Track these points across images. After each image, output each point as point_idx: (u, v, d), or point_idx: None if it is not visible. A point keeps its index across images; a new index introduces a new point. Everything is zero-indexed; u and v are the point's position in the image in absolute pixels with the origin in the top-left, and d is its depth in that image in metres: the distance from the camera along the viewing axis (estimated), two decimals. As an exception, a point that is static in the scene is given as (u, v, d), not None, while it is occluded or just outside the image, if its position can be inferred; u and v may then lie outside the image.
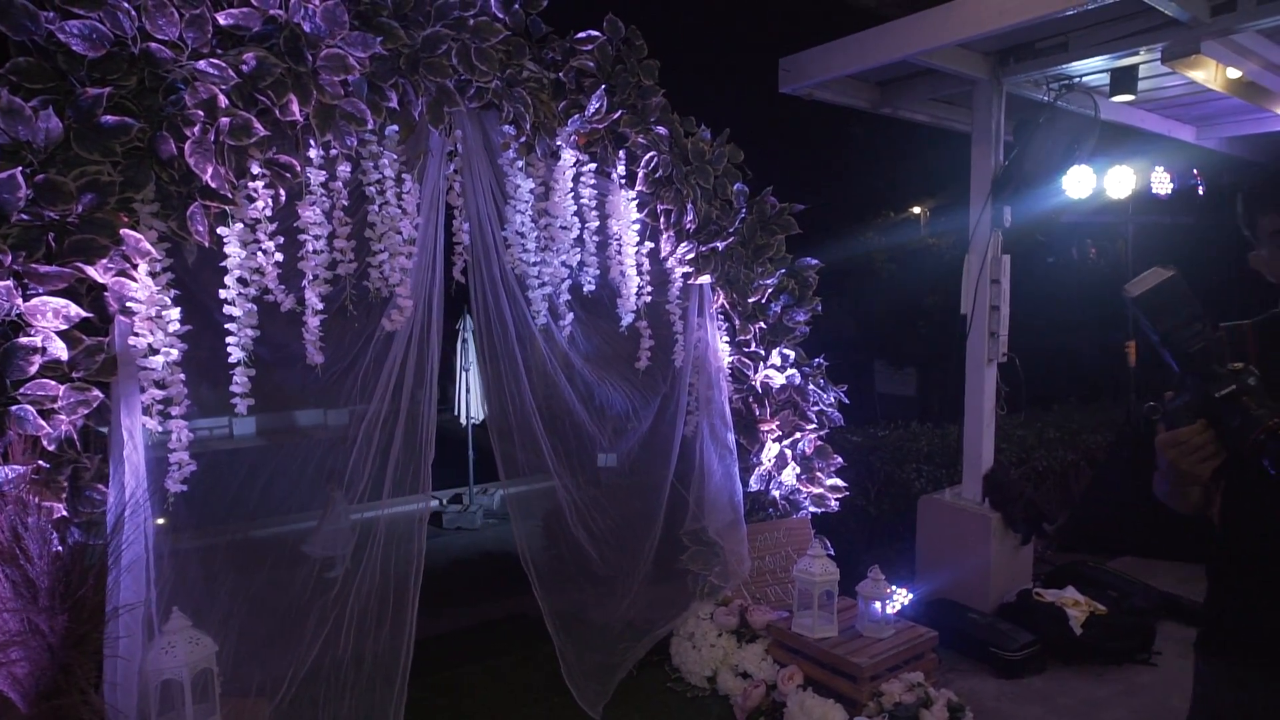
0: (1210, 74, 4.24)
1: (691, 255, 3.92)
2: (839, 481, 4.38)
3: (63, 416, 2.40)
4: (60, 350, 2.42)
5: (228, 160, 2.65)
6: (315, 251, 2.94)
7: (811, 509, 4.38)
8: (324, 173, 2.97)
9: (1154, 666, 4.08)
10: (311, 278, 2.91)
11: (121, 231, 2.49)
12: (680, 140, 3.92)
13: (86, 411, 2.42)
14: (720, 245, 3.92)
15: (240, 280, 2.77)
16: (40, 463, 2.36)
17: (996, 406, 4.77)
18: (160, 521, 2.60)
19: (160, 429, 2.60)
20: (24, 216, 2.37)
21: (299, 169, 2.90)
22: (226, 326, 2.73)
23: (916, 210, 11.93)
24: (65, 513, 2.35)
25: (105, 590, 2.17)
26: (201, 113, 2.60)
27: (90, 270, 2.44)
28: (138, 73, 2.55)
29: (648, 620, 3.97)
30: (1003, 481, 4.72)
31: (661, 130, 3.78)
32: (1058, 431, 6.38)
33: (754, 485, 4.16)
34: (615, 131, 3.69)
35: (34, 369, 2.37)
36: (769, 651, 3.77)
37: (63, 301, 2.38)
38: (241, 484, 3.00)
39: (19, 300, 2.32)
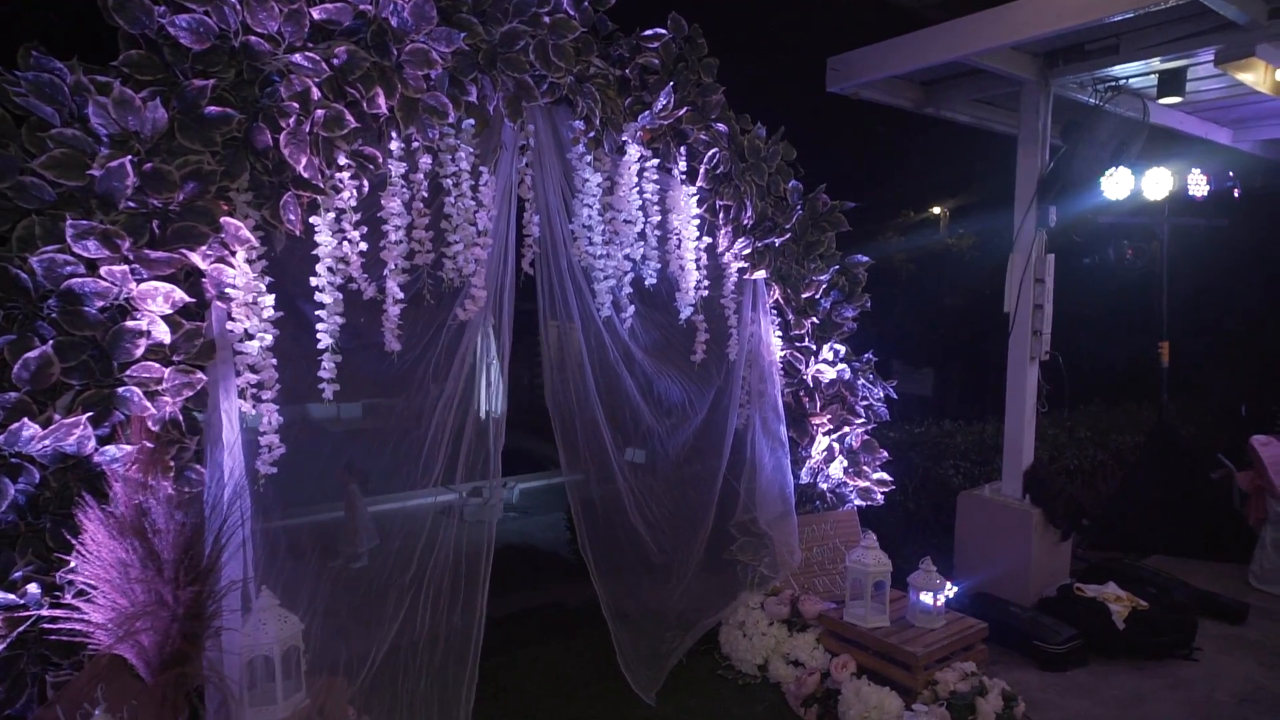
0: (1259, 76, 4.29)
1: (748, 250, 3.98)
2: (885, 475, 4.45)
3: (167, 399, 2.47)
4: (164, 334, 2.48)
5: (320, 151, 2.72)
6: (396, 241, 3.00)
7: (858, 502, 4.45)
8: (404, 164, 3.03)
9: (1195, 662, 4.13)
10: (393, 267, 2.98)
11: (221, 219, 2.56)
12: (737, 137, 3.98)
13: (190, 394, 2.49)
14: (776, 241, 3.98)
15: (328, 269, 2.83)
16: (145, 443, 2.44)
17: (1037, 404, 4.83)
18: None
19: (253, 411, 2.67)
20: (131, 204, 2.44)
21: (381, 160, 2.97)
22: (317, 314, 2.79)
23: (936, 210, 11.96)
24: (172, 491, 2.42)
25: (219, 565, 2.24)
26: (296, 104, 2.66)
27: (192, 256, 2.51)
28: (236, 65, 2.61)
29: (697, 609, 4.04)
30: (1044, 478, 4.78)
31: (721, 127, 3.84)
32: (1088, 431, 6.43)
33: (804, 478, 4.23)
34: (677, 128, 3.75)
35: (140, 352, 2.44)
36: (820, 641, 3.84)
37: (170, 286, 2.45)
38: (324, 468, 3.07)
39: (132, 284, 2.39)
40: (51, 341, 2.30)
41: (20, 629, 2.13)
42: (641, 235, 3.69)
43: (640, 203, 3.62)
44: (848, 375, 4.26)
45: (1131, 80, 4.69)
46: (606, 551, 3.71)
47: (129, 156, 2.40)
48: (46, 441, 2.26)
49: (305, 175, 2.69)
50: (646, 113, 3.50)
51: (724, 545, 4.14)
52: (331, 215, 2.80)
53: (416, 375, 3.13)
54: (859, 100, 4.99)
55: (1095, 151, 4.51)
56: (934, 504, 5.29)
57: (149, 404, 2.45)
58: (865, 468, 4.38)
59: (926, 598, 3.72)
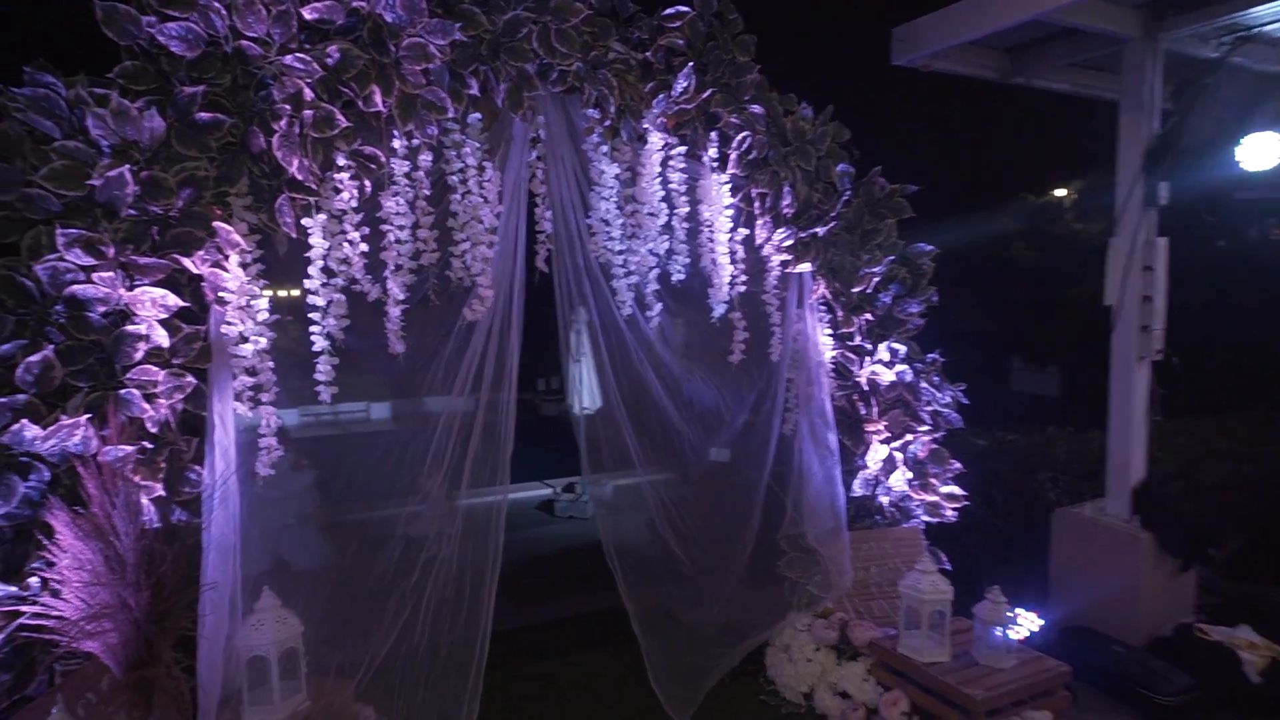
0: None
1: (790, 242, 3.67)
2: (956, 489, 3.98)
3: (162, 401, 2.52)
4: (162, 338, 2.54)
5: (311, 152, 2.71)
6: (398, 241, 2.96)
7: (924, 518, 4.01)
8: (408, 163, 2.98)
9: (1351, 725, 3.42)
10: (393, 268, 2.93)
11: (214, 224, 2.59)
12: (779, 119, 3.68)
13: (182, 396, 2.54)
14: (821, 231, 3.65)
15: (327, 270, 2.82)
16: (144, 444, 2.50)
17: (1149, 411, 4.18)
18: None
19: (250, 414, 2.69)
20: (132, 212, 2.51)
21: (383, 160, 2.93)
22: (310, 315, 2.79)
23: (1062, 192, 10.86)
24: (163, 493, 2.47)
25: (185, 569, 2.26)
26: (289, 106, 2.66)
27: (186, 261, 2.56)
28: (231, 70, 2.64)
29: (742, 626, 3.77)
30: (1157, 497, 4.13)
31: (757, 109, 3.56)
32: (1230, 441, 5.55)
33: (858, 490, 3.85)
34: (707, 112, 3.50)
35: (139, 355, 2.51)
36: (871, 672, 3.47)
37: (161, 291, 2.50)
38: (328, 470, 3.08)
39: (122, 290, 2.45)
40: (53, 346, 2.39)
41: (17, 621, 2.21)
42: (668, 228, 3.48)
43: (665, 194, 3.41)
44: (909, 377, 3.84)
45: (1268, 28, 3.96)
46: (634, 560, 3.52)
47: (127, 166, 2.47)
48: (51, 441, 2.36)
49: (299, 177, 2.69)
50: (662, 97, 3.28)
51: (772, 559, 3.84)
52: (324, 217, 2.78)
53: (426, 377, 3.08)
54: (931, 73, 4.52)
55: (1217, 114, 3.84)
56: (1026, 522, 4.71)
57: (148, 406, 2.51)
58: (933, 480, 3.94)
59: (995, 632, 3.27)
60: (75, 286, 2.42)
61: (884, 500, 3.93)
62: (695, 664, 3.61)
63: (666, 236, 3.43)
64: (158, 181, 2.51)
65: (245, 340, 2.68)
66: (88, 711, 1.96)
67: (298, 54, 2.67)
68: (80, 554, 2.00)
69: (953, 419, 4.00)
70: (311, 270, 2.78)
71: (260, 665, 2.60)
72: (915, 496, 3.95)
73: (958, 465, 3.99)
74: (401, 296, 2.92)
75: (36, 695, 2.33)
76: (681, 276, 3.50)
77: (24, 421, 2.30)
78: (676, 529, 3.57)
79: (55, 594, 2.04)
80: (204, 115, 2.56)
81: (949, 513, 3.97)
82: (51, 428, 2.34)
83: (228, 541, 2.50)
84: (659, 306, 3.51)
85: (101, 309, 2.46)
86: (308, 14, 2.71)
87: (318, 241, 2.78)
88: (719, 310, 3.59)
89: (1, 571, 2.27)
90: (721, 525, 3.68)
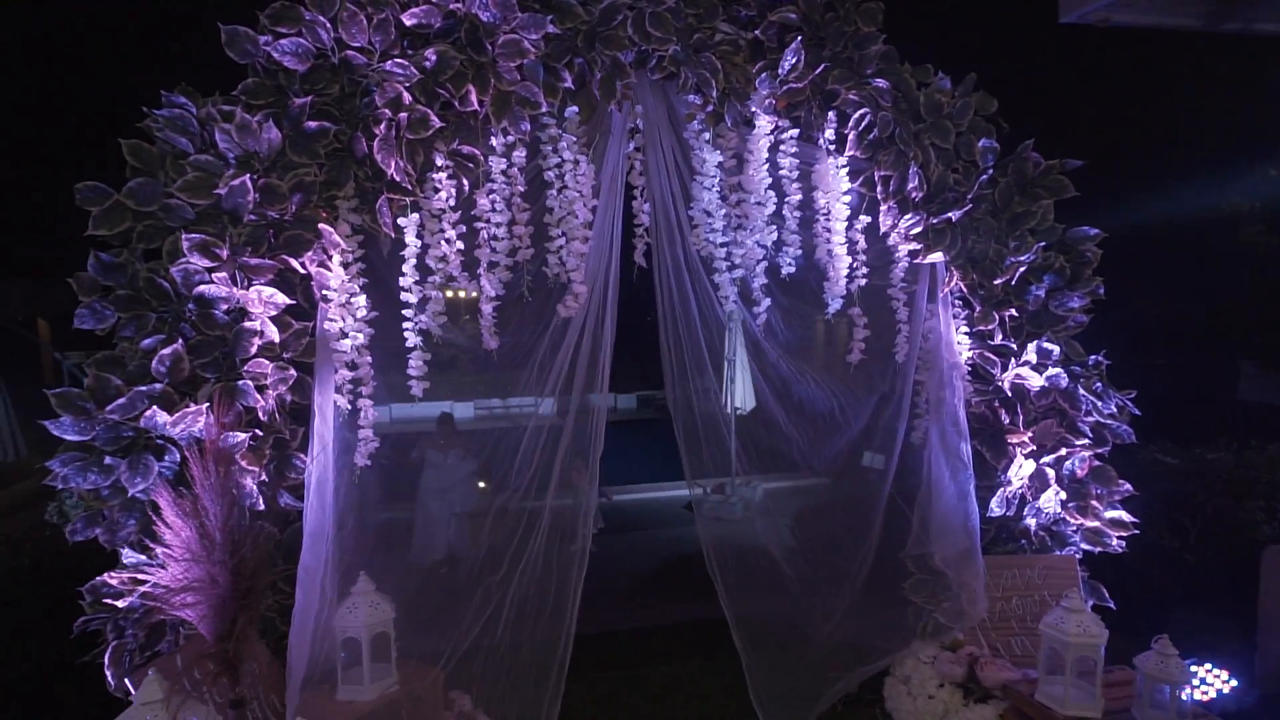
0: None
1: (919, 229, 3.29)
2: (1124, 515, 3.39)
3: (270, 392, 2.72)
4: (274, 334, 2.73)
5: (408, 154, 2.79)
6: (493, 238, 2.98)
7: (1084, 546, 3.46)
8: (505, 160, 3.00)
9: None
10: (487, 265, 2.96)
11: (319, 225, 2.74)
12: (910, 92, 3.31)
13: (285, 387, 2.72)
14: (956, 215, 3.23)
15: (422, 268, 2.90)
16: (256, 431, 2.71)
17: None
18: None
19: (349, 406, 2.83)
20: (253, 217, 2.72)
21: (481, 158, 2.97)
22: (403, 312, 2.88)
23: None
24: (265, 478, 2.66)
25: (276, 551, 2.41)
26: (388, 111, 2.76)
27: (293, 262, 2.73)
28: (339, 80, 2.78)
29: (861, 649, 3.46)
30: None
31: (881, 83, 3.22)
32: None
33: (996, 509, 3.38)
34: (823, 90, 3.22)
35: (254, 349, 2.71)
36: (1003, 718, 3.04)
37: (270, 290, 2.69)
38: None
39: (239, 290, 2.66)
40: (181, 340, 2.64)
41: (141, 588, 2.47)
42: (778, 217, 3.24)
43: (773, 180, 3.17)
44: (1064, 383, 3.31)
45: None
46: (737, 573, 3.33)
47: (248, 175, 2.67)
48: (180, 426, 2.61)
49: (397, 179, 2.78)
50: (764, 76, 3.05)
51: (899, 578, 3.49)
52: (417, 216, 2.86)
53: (521, 373, 3.09)
54: (1109, 29, 3.88)
55: None
56: (1228, 558, 3.94)
57: (259, 396, 2.71)
58: (1095, 503, 3.38)
59: (1164, 690, 2.74)
60: (202, 286, 2.65)
61: (1032, 522, 3.42)
62: (801, 686, 3.36)
63: (774, 227, 3.20)
64: (272, 188, 2.70)
65: (345, 336, 2.81)
66: (178, 677, 2.13)
67: (397, 59, 2.76)
68: (181, 531, 2.18)
69: (1121, 432, 3.40)
70: (405, 268, 2.87)
71: (353, 647, 2.73)
72: (1072, 520, 3.41)
73: (1127, 486, 3.39)
74: (493, 293, 2.94)
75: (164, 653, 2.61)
76: (791, 269, 3.25)
77: (154, 408, 2.56)
78: (782, 539, 3.33)
79: (163, 566, 2.24)
80: (312, 124, 2.71)
81: (1114, 542, 3.39)
82: (179, 414, 2.58)
83: (322, 527, 2.65)
84: (767, 302, 3.28)
85: (224, 307, 2.68)
86: (407, 20, 2.79)
87: (412, 240, 2.86)
88: (834, 305, 3.30)
89: (137, 543, 2.56)
90: (835, 538, 3.39)
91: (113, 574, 2.46)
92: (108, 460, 2.56)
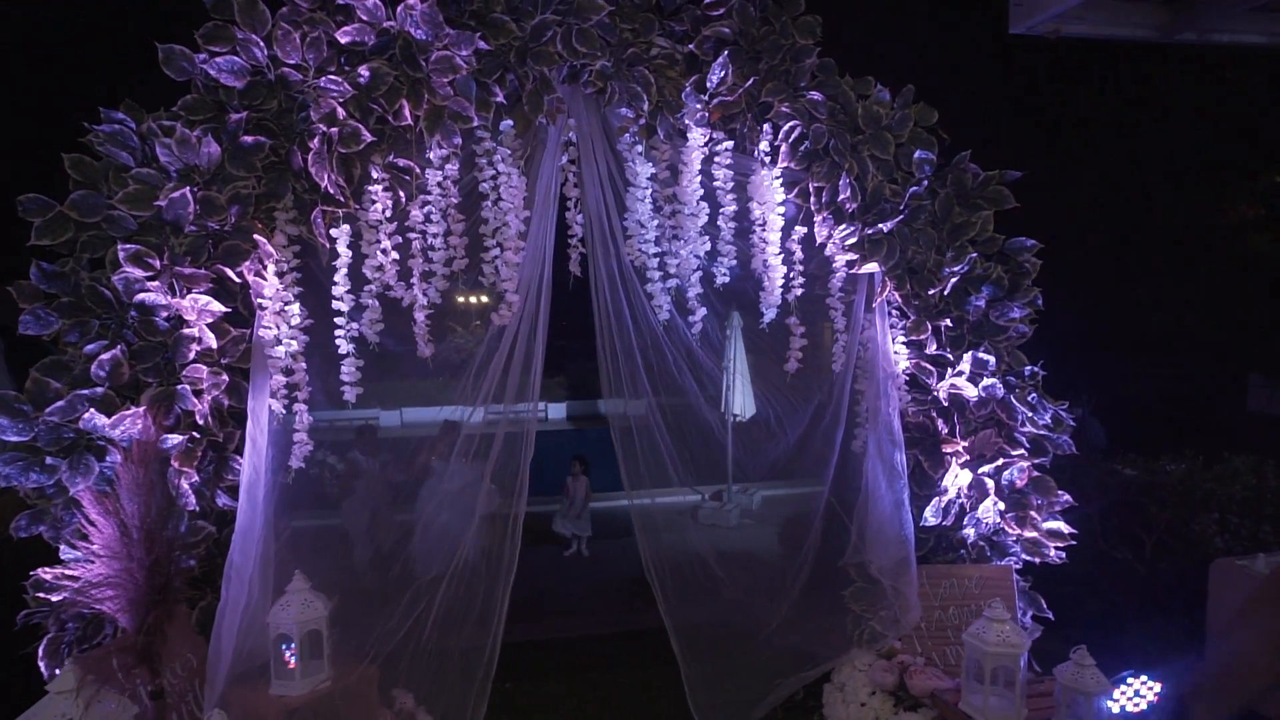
0: None
1: (854, 239, 3.32)
2: (1062, 526, 3.39)
3: (207, 395, 2.82)
4: (211, 340, 2.84)
5: (339, 167, 2.89)
6: (429, 248, 3.07)
7: (1024, 557, 3.45)
8: (439, 172, 3.09)
9: None
10: (421, 274, 3.04)
11: (253, 236, 2.85)
12: (850, 104, 3.35)
13: (219, 392, 2.82)
14: (887, 226, 3.26)
15: (358, 277, 3.00)
16: (194, 434, 2.82)
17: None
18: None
19: (284, 410, 2.92)
20: (193, 228, 2.83)
21: (418, 171, 3.06)
22: (335, 320, 2.97)
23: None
24: (197, 479, 2.77)
25: (175, 552, 2.51)
26: (323, 126, 2.86)
27: (229, 271, 2.84)
28: (276, 96, 2.89)
29: (796, 657, 3.48)
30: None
31: (815, 96, 3.26)
32: None
33: (931, 518, 3.39)
34: (758, 102, 3.27)
35: (192, 355, 2.82)
36: (932, 726, 3.06)
37: (206, 299, 2.80)
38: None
39: (174, 299, 2.77)
40: (123, 345, 2.76)
41: (78, 583, 2.58)
42: (712, 227, 3.29)
43: (703, 192, 3.23)
44: (1000, 393, 3.32)
45: None
46: (675, 580, 3.38)
47: (188, 187, 2.78)
48: (120, 428, 2.72)
49: (330, 191, 2.88)
50: (689, 90, 3.10)
51: (837, 586, 3.51)
52: (347, 228, 2.95)
53: (457, 381, 3.17)
54: (1062, 40, 3.88)
55: None
56: (1182, 570, 3.91)
57: (197, 400, 2.82)
58: (1033, 513, 3.38)
59: (1082, 701, 2.73)
60: (142, 294, 2.76)
61: (970, 532, 3.43)
62: (741, 692, 3.40)
63: (705, 238, 3.25)
64: (210, 200, 2.81)
65: (279, 343, 2.91)
66: (90, 667, 2.23)
67: (331, 75, 2.86)
68: (103, 528, 2.29)
69: (1061, 443, 3.40)
70: (337, 278, 2.97)
71: (284, 644, 2.82)
72: (1011, 531, 3.41)
73: (1066, 497, 3.39)
74: (424, 301, 3.02)
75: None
76: (725, 279, 3.30)
77: (93, 411, 2.67)
78: (718, 548, 3.37)
79: (90, 562, 2.35)
80: (248, 139, 2.82)
81: (1051, 553, 3.39)
82: (117, 416, 2.70)
83: (252, 526, 2.74)
84: (703, 311, 3.33)
85: (164, 314, 2.80)
86: (342, 38, 2.89)
87: (344, 250, 2.95)
88: (769, 314, 3.34)
89: (75, 539, 2.67)
90: (770, 548, 3.42)
91: (47, 569, 2.57)
92: (49, 460, 2.68)
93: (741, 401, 7.93)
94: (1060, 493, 3.39)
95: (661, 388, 3.28)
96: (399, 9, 2.88)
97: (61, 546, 2.67)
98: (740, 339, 7.38)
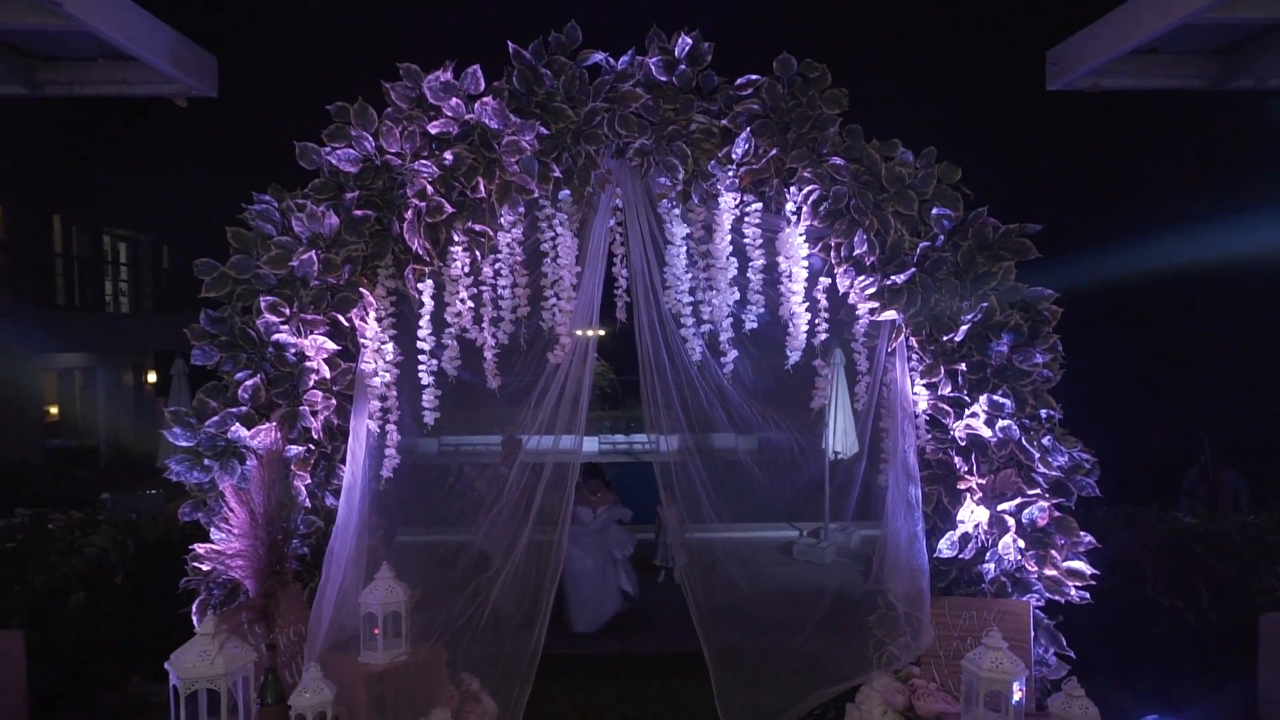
0: None
1: (873, 289, 3.62)
2: (1083, 566, 3.47)
3: (321, 415, 3.54)
4: (326, 371, 3.57)
5: (427, 233, 3.56)
6: (497, 298, 3.69)
7: (1047, 595, 3.56)
8: (509, 235, 3.71)
9: None
10: (489, 320, 3.66)
11: (359, 289, 3.57)
12: (875, 166, 3.68)
13: (328, 413, 3.54)
14: (901, 278, 3.54)
15: (439, 321, 3.66)
16: (309, 446, 3.55)
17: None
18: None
19: (378, 430, 3.60)
20: (316, 282, 3.59)
21: (491, 235, 3.70)
22: (419, 357, 3.63)
23: None
24: (310, 480, 3.47)
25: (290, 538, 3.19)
26: (416, 200, 3.55)
27: (341, 317, 3.56)
28: (381, 178, 3.62)
29: (822, 673, 3.74)
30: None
31: (837, 161, 3.62)
32: None
33: (945, 550, 3.57)
34: (785, 167, 3.67)
35: (312, 383, 3.56)
36: (937, 748, 3.24)
37: (323, 339, 3.53)
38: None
39: (298, 338, 3.52)
40: (262, 374, 3.53)
41: (219, 557, 3.33)
42: (742, 278, 3.71)
43: (731, 249, 3.66)
44: (1016, 434, 3.48)
45: None
46: (709, 596, 3.76)
47: (314, 251, 3.55)
48: (258, 439, 3.49)
49: (419, 253, 3.56)
50: (713, 162, 3.56)
51: (860, 611, 3.76)
52: (430, 282, 3.62)
53: (521, 410, 3.74)
54: (1099, 93, 4.01)
55: None
56: (1242, 623, 3.81)
57: (313, 419, 3.55)
58: (1054, 552, 3.49)
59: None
60: (277, 335, 3.54)
61: (991, 567, 3.58)
62: (769, 704, 3.70)
63: (733, 289, 3.67)
64: (330, 261, 3.56)
65: (376, 375, 3.61)
66: (225, 619, 2.93)
67: (423, 160, 3.56)
68: (238, 512, 3.01)
69: (1084, 485, 3.50)
70: (422, 322, 3.63)
71: (371, 621, 3.45)
72: (1031, 569, 3.53)
73: (1089, 538, 3.48)
74: (493, 342, 3.64)
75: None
76: (753, 325, 3.70)
77: (238, 425, 3.45)
78: (750, 576, 3.72)
79: (227, 539, 3.08)
80: (359, 212, 3.56)
81: (1072, 592, 3.48)
82: (255, 429, 3.46)
83: (347, 522, 3.41)
84: (734, 353, 3.73)
85: (292, 350, 3.56)
86: (432, 129, 3.59)
87: (427, 299, 3.62)
88: (794, 358, 3.70)
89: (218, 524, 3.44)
90: (797, 576, 3.72)
91: (201, 545, 3.34)
92: (206, 462, 3.48)
93: (844, 440, 8.01)
94: (1083, 534, 3.49)
95: (696, 422, 3.70)
96: (476, 105, 3.54)
97: (212, 529, 3.45)
98: (842, 376, 7.49)
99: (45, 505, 5.74)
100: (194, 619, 3.36)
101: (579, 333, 3.64)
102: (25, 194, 14.85)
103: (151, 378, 18.03)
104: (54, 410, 16.42)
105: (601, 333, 3.84)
